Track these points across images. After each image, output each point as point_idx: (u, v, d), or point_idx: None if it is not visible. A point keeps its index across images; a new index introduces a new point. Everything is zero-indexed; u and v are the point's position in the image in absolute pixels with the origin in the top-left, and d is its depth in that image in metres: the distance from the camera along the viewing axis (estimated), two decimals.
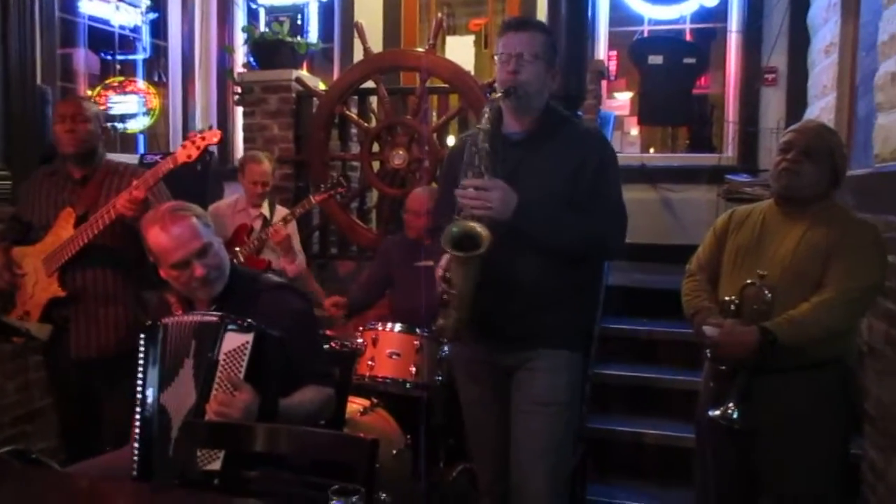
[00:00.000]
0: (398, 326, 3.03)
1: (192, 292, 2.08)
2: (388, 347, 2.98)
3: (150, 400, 1.96)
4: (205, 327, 1.95)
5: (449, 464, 3.09)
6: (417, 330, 3.01)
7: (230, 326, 1.91)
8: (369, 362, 2.98)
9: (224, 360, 1.89)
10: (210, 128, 2.74)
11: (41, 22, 4.10)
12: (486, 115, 2.07)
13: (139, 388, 1.98)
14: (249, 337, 1.89)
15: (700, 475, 2.49)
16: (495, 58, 2.16)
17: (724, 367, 2.25)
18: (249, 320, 1.92)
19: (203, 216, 2.11)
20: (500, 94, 2.10)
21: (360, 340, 3.05)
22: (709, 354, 2.33)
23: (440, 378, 2.97)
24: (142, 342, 2.00)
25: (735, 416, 2.18)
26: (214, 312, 1.99)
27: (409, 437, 3.00)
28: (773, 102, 5.38)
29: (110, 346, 2.79)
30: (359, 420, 2.87)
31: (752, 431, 2.20)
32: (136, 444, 1.95)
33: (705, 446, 2.41)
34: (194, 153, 2.65)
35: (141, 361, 1.99)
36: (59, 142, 2.80)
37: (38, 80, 4.04)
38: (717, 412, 2.21)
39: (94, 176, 2.83)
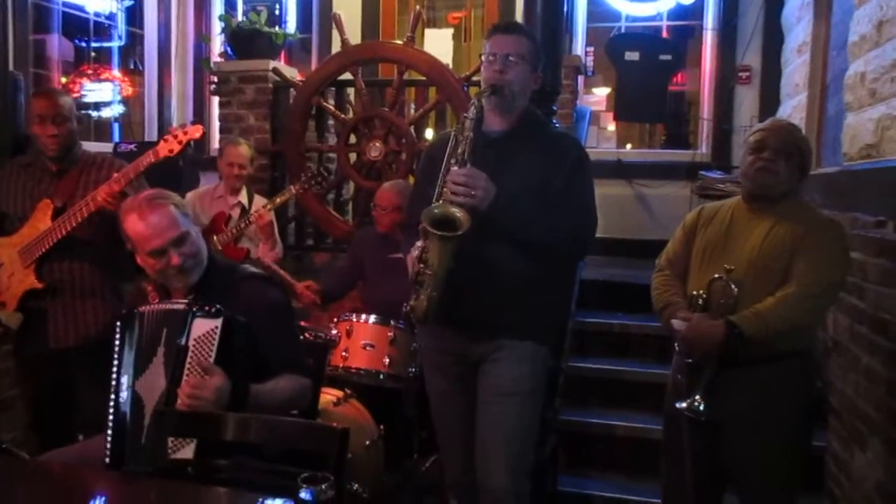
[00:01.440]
0: (372, 318, 3.05)
1: (168, 280, 2.09)
2: (362, 339, 3.00)
3: (124, 387, 1.98)
4: (174, 314, 1.97)
5: (421, 455, 3.12)
6: (392, 322, 3.02)
7: (198, 312, 1.93)
8: (343, 353, 2.99)
9: (193, 345, 1.91)
10: (193, 123, 2.73)
11: (14, 7, 4.04)
12: (474, 106, 2.15)
13: (114, 376, 2.00)
14: (218, 322, 1.92)
15: (666, 467, 2.53)
16: (482, 58, 2.24)
17: (690, 360, 2.29)
18: (217, 306, 1.94)
19: (181, 205, 2.12)
20: (486, 91, 2.17)
21: (334, 331, 3.06)
22: (677, 348, 2.38)
23: (413, 370, 2.99)
24: (117, 330, 2.02)
25: (701, 408, 2.22)
26: (182, 300, 2.02)
27: (381, 428, 3.02)
28: (746, 100, 5.45)
29: (89, 337, 2.78)
30: (332, 411, 2.88)
31: (718, 423, 2.25)
32: (109, 432, 1.96)
33: (673, 438, 2.45)
34: (176, 148, 2.63)
35: (116, 349, 2.01)
36: (39, 143, 2.77)
37: (11, 66, 3.99)
38: (684, 404, 2.25)
39: (72, 168, 2.81)
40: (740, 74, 5.43)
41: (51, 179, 2.80)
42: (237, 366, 1.92)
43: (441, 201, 2.08)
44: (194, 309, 1.94)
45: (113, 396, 1.98)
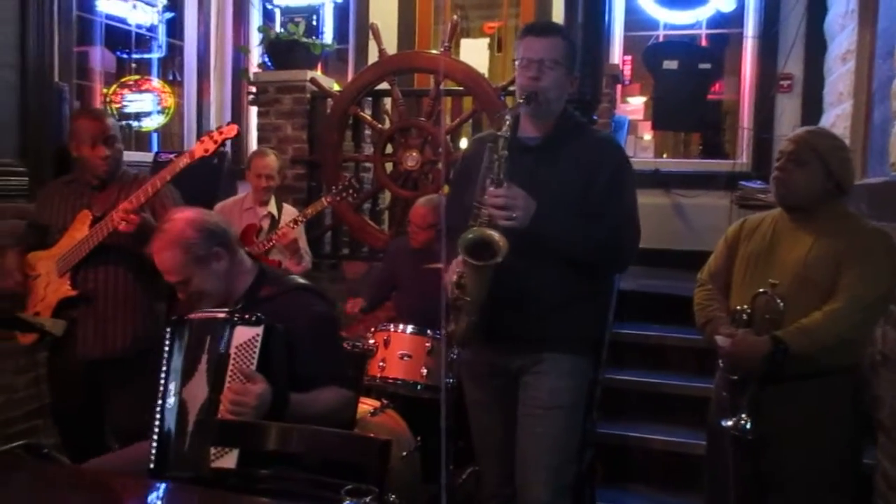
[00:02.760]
0: (410, 328, 3.05)
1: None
2: (399, 349, 2.99)
3: (171, 393, 2.00)
4: (216, 322, 2.00)
5: (458, 466, 3.09)
6: (429, 332, 3.01)
7: (239, 321, 1.96)
8: (380, 363, 2.99)
9: (235, 353, 1.93)
10: (228, 124, 2.76)
11: (59, 20, 4.12)
12: (507, 123, 2.05)
13: (162, 380, 2.02)
14: (259, 330, 1.94)
15: (710, 484, 2.48)
16: (515, 63, 2.17)
17: (735, 377, 2.24)
18: (258, 314, 1.96)
19: (195, 245, 2.07)
20: (520, 101, 2.10)
21: (371, 341, 3.06)
22: (721, 364, 2.33)
23: (451, 380, 2.97)
24: (167, 335, 2.06)
25: (748, 426, 2.17)
26: (224, 309, 2.05)
27: (418, 438, 3.01)
28: (788, 109, 5.35)
29: (116, 348, 2.78)
30: (369, 421, 2.88)
31: (763, 440, 2.20)
32: (154, 437, 1.98)
33: (717, 455, 2.40)
34: (211, 147, 2.66)
35: (165, 354, 2.04)
36: (89, 164, 2.79)
37: (56, 78, 4.06)
38: (730, 423, 2.20)
39: (112, 182, 2.85)
40: (781, 83, 5.33)
41: (91, 192, 2.84)
42: (278, 373, 1.93)
43: (477, 223, 2.00)
44: (235, 317, 1.97)
45: (160, 402, 2.01)
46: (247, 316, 1.96)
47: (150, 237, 2.56)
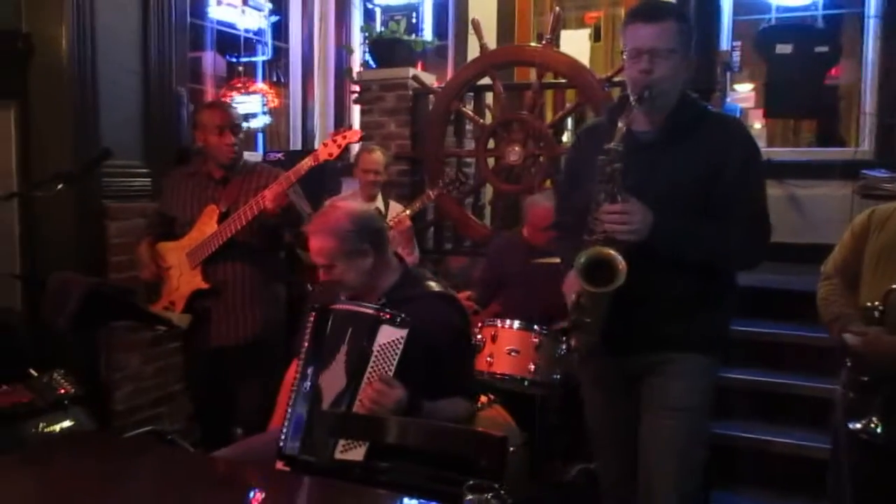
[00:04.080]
0: (517, 323, 3.04)
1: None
2: (506, 344, 2.99)
3: (308, 378, 2.06)
4: (362, 318, 2.04)
5: (567, 463, 3.07)
6: (536, 327, 3.00)
7: (386, 320, 1.98)
8: (488, 359, 3.00)
9: (378, 351, 1.96)
10: (350, 127, 2.84)
11: (176, 27, 4.33)
12: (620, 134, 1.88)
13: (300, 365, 2.09)
14: (404, 332, 1.96)
15: (834, 488, 2.37)
16: (623, 54, 2.00)
17: (866, 378, 2.12)
18: (404, 316, 1.98)
19: (347, 238, 2.14)
20: (633, 101, 1.93)
21: (479, 336, 3.07)
22: (849, 363, 2.20)
23: (558, 377, 2.95)
24: (310, 322, 2.11)
25: (879, 430, 2.06)
26: (372, 304, 2.08)
27: (525, 434, 3.00)
28: None
29: (245, 337, 2.95)
30: (476, 416, 2.88)
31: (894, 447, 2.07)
32: (287, 417, 2.04)
33: (842, 458, 2.28)
34: (335, 151, 2.76)
35: (307, 340, 2.10)
36: (215, 152, 2.95)
37: (174, 83, 4.27)
38: (859, 425, 2.09)
39: (235, 176, 2.98)
40: None
41: (215, 186, 2.98)
42: (413, 379, 1.96)
43: (592, 239, 1.90)
44: (382, 315, 1.99)
45: (296, 385, 2.07)
46: (394, 316, 1.98)
47: (292, 219, 2.74)
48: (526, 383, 2.97)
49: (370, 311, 2.03)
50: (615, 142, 1.87)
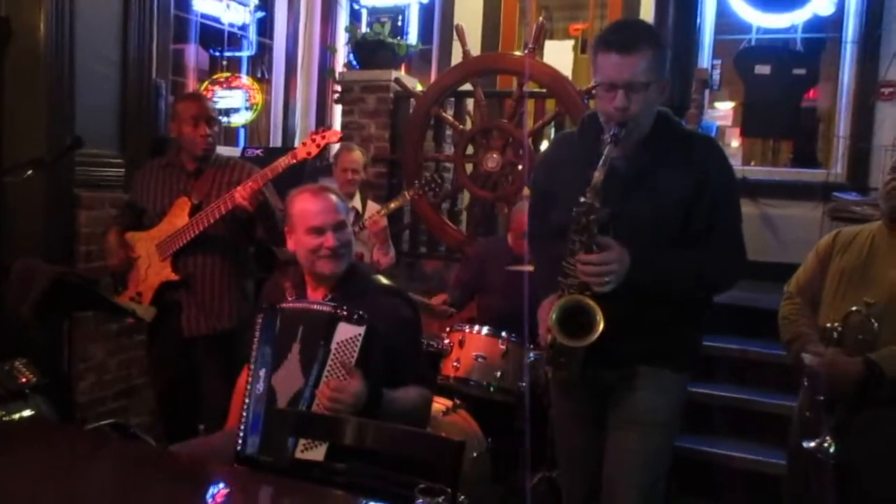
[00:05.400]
0: (485, 329, 3.05)
1: (315, 263, 2.15)
2: (474, 350, 3.00)
3: (261, 379, 2.05)
4: (317, 316, 2.03)
5: (529, 470, 3.08)
6: (503, 334, 3.01)
7: (343, 317, 1.98)
8: (455, 364, 3.01)
9: (336, 349, 1.97)
10: (329, 127, 2.83)
11: (158, 18, 4.31)
12: (595, 189, 1.79)
13: (252, 366, 2.08)
14: (361, 329, 1.96)
15: None
16: (595, 84, 1.92)
17: (822, 398, 2.15)
18: (361, 313, 1.98)
19: (343, 200, 2.25)
20: (606, 138, 1.85)
21: (446, 341, 3.08)
22: (806, 383, 2.23)
23: (524, 384, 2.97)
24: (258, 322, 2.10)
25: (831, 449, 2.07)
26: (328, 303, 2.07)
27: (489, 440, 3.01)
28: (889, 118, 5.08)
29: (217, 327, 2.94)
30: (441, 420, 2.90)
31: (853, 466, 2.10)
32: (242, 419, 2.04)
33: (797, 477, 2.31)
34: (314, 151, 2.76)
35: (256, 341, 2.09)
36: (188, 143, 2.94)
37: (154, 74, 4.24)
38: (813, 444, 2.11)
39: (208, 168, 2.97)
40: (882, 90, 5.07)
41: (188, 178, 2.97)
42: (373, 373, 1.96)
43: (567, 283, 1.86)
44: (340, 313, 1.99)
45: (250, 385, 2.06)
46: (351, 313, 1.99)
47: (267, 215, 2.74)
48: (492, 389, 2.98)
49: (327, 309, 2.02)
50: (591, 194, 1.80)
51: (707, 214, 1.92)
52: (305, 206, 2.16)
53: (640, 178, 1.93)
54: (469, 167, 4.48)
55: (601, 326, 1.80)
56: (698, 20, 5.26)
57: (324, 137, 2.76)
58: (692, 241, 1.93)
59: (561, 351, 1.91)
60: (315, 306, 2.08)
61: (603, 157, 1.82)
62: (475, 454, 2.89)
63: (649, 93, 1.86)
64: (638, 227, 1.87)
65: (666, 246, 1.92)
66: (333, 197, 2.19)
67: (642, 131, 1.93)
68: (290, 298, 2.19)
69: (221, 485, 1.74)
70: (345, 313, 1.98)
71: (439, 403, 2.98)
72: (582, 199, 1.81)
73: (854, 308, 2.11)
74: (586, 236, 1.81)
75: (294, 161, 2.76)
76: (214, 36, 6.21)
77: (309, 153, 2.75)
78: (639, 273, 1.85)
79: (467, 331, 3.07)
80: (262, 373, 2.05)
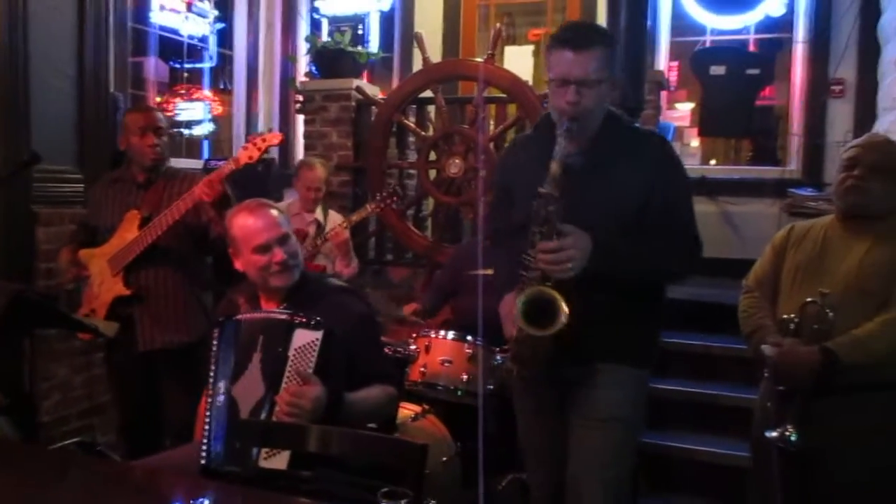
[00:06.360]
0: (451, 334, 3.06)
1: (267, 280, 2.15)
2: (440, 355, 3.01)
3: (221, 391, 2.04)
4: (274, 323, 2.04)
5: (499, 473, 3.09)
6: (469, 338, 3.02)
7: (300, 324, 1.98)
8: (422, 369, 3.01)
9: (294, 355, 1.97)
10: (270, 130, 2.82)
11: (115, 31, 4.26)
12: (553, 179, 1.82)
13: (211, 380, 2.07)
14: (319, 334, 1.97)
15: (755, 496, 2.44)
16: (549, 83, 1.96)
17: (781, 388, 2.20)
18: (318, 318, 1.99)
19: (283, 212, 2.24)
20: (558, 132, 1.89)
21: (413, 347, 3.08)
22: (766, 374, 2.28)
23: (491, 387, 2.98)
24: (215, 336, 2.10)
25: (793, 438, 2.12)
26: (284, 311, 2.08)
27: (459, 444, 3.01)
28: (840, 115, 5.23)
29: (174, 340, 2.90)
30: (410, 425, 2.89)
31: (814, 453, 2.15)
32: (205, 432, 2.02)
33: (762, 467, 2.35)
34: (255, 154, 2.74)
35: (213, 354, 2.08)
36: (138, 154, 2.91)
37: (112, 88, 4.20)
38: (775, 434, 2.15)
39: (157, 180, 2.95)
40: (833, 88, 5.21)
41: (137, 191, 2.94)
42: (333, 376, 1.97)
43: (528, 274, 1.88)
44: (296, 320, 1.99)
45: (210, 399, 2.05)
46: (307, 319, 1.99)
47: (226, 209, 2.65)
48: (459, 393, 2.99)
49: (283, 317, 2.03)
50: (548, 185, 1.83)
51: (660, 208, 1.97)
52: (246, 225, 2.16)
53: (595, 174, 1.98)
54: (433, 173, 4.50)
55: (566, 315, 1.81)
56: (654, 23, 5.37)
57: (265, 141, 2.74)
58: (647, 234, 1.98)
59: (526, 345, 1.93)
60: (273, 314, 2.09)
61: (556, 150, 1.87)
62: (445, 458, 2.89)
63: (601, 89, 1.92)
64: (594, 221, 1.91)
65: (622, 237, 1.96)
66: (273, 211, 2.19)
67: (594, 127, 1.99)
68: (243, 311, 2.19)
69: (186, 497, 1.72)
70: (303, 319, 1.99)
71: (408, 409, 2.98)
72: (541, 190, 1.84)
73: (810, 299, 2.16)
74: (546, 227, 1.84)
75: (237, 167, 2.73)
76: (174, 48, 6.17)
77: (251, 157, 2.73)
78: (598, 259, 1.87)
79: (433, 336, 3.07)
80: (221, 385, 2.04)
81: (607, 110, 2.04)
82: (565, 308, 1.82)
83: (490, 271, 2.29)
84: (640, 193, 1.96)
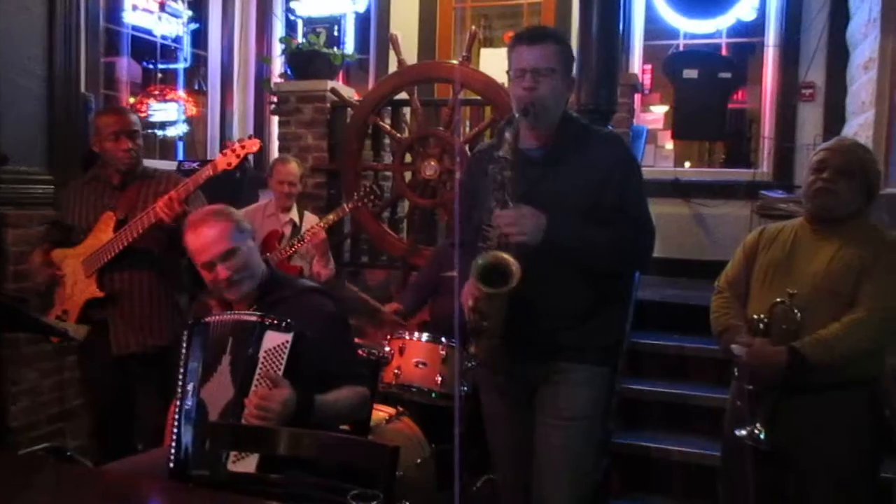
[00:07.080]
0: (425, 336, 3.06)
1: (220, 292, 2.17)
2: (414, 357, 3.01)
3: (190, 394, 2.03)
4: (244, 326, 2.03)
5: (473, 474, 3.10)
6: (444, 340, 3.02)
7: (270, 326, 1.98)
8: (395, 371, 3.01)
9: (264, 357, 1.96)
10: (250, 137, 2.80)
11: (86, 31, 4.21)
12: (507, 144, 1.97)
13: (180, 382, 2.05)
14: (289, 336, 1.96)
15: (725, 494, 2.46)
16: (509, 74, 2.10)
17: (751, 387, 2.23)
18: (288, 320, 1.99)
19: (240, 221, 2.21)
20: (517, 114, 2.02)
21: (387, 349, 3.07)
22: (737, 373, 2.31)
23: (465, 388, 2.98)
24: (185, 338, 2.09)
25: (762, 436, 2.16)
26: (254, 312, 2.07)
27: (433, 446, 3.01)
28: (809, 118, 5.31)
29: (148, 343, 2.87)
30: (384, 428, 2.89)
31: (781, 451, 2.18)
32: (174, 436, 2.01)
33: (732, 465, 2.38)
34: (234, 161, 2.72)
35: (183, 356, 2.07)
36: (111, 158, 2.87)
37: (83, 88, 4.15)
38: (744, 432, 2.19)
39: (133, 181, 2.91)
40: (803, 92, 5.30)
41: (113, 192, 2.91)
42: (303, 378, 1.96)
43: (486, 245, 1.96)
44: (266, 322, 1.99)
45: (179, 401, 2.04)
46: (277, 321, 1.99)
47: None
48: (433, 395, 2.99)
49: (254, 319, 2.02)
50: (503, 150, 1.97)
51: (615, 200, 2.06)
52: (190, 242, 2.17)
53: (550, 168, 2.09)
54: (408, 175, 4.49)
55: (518, 275, 1.89)
56: (627, 26, 5.41)
57: (244, 147, 2.73)
58: (602, 224, 2.06)
59: (483, 313, 1.97)
60: (243, 316, 2.08)
61: (512, 123, 2.00)
62: (419, 460, 2.89)
63: (554, 81, 2.05)
64: (548, 211, 1.98)
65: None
66: (219, 226, 2.15)
67: (550, 120, 2.10)
68: (214, 314, 2.18)
69: (156, 501, 1.70)
70: (273, 321, 1.99)
71: (383, 412, 2.97)
72: (497, 154, 1.98)
73: (778, 300, 2.19)
74: (503, 193, 1.95)
75: (215, 172, 2.71)
76: (148, 48, 6.11)
77: (229, 164, 2.71)
78: (553, 231, 1.96)
79: (407, 338, 3.07)
80: (190, 387, 2.03)
81: (564, 112, 2.15)
82: (518, 269, 1.89)
83: (453, 273, 2.32)
84: (593, 191, 2.07)
